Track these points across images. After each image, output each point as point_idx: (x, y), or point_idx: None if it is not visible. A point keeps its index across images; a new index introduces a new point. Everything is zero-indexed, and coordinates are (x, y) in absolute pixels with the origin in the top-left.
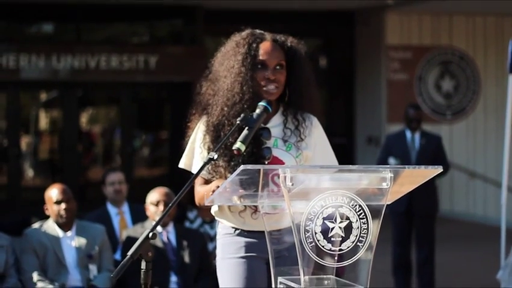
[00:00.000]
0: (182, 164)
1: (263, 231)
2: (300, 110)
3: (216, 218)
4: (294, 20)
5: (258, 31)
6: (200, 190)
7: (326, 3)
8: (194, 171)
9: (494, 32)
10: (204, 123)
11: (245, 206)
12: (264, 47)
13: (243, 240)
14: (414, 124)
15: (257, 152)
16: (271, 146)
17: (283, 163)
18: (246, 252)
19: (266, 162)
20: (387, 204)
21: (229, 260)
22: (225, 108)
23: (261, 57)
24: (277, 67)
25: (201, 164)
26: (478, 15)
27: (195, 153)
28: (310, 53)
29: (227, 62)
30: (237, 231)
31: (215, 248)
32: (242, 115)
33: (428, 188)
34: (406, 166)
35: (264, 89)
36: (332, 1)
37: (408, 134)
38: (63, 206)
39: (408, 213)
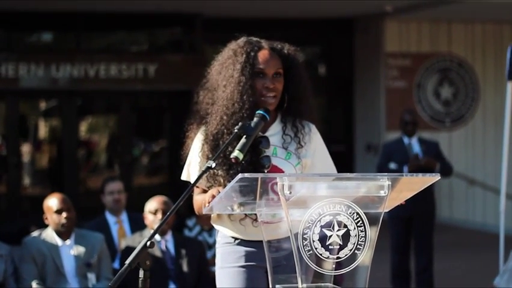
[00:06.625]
0: (184, 176)
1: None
2: (299, 117)
3: (215, 226)
4: (293, 28)
5: (254, 39)
6: (198, 199)
7: (325, 11)
8: (192, 180)
9: (493, 39)
10: (202, 132)
11: (245, 214)
12: (262, 56)
13: (242, 249)
14: (410, 127)
15: (256, 160)
16: (270, 154)
17: (282, 172)
18: (245, 262)
19: (265, 171)
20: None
21: (228, 269)
22: (224, 117)
23: (259, 66)
24: (275, 75)
25: (199, 172)
26: (477, 22)
27: (193, 162)
28: (309, 61)
29: (225, 71)
30: (237, 241)
31: (213, 255)
32: (240, 124)
33: (426, 191)
34: (404, 174)
35: (263, 98)
36: (330, 9)
37: (406, 140)
38: (64, 214)
39: (406, 218)
